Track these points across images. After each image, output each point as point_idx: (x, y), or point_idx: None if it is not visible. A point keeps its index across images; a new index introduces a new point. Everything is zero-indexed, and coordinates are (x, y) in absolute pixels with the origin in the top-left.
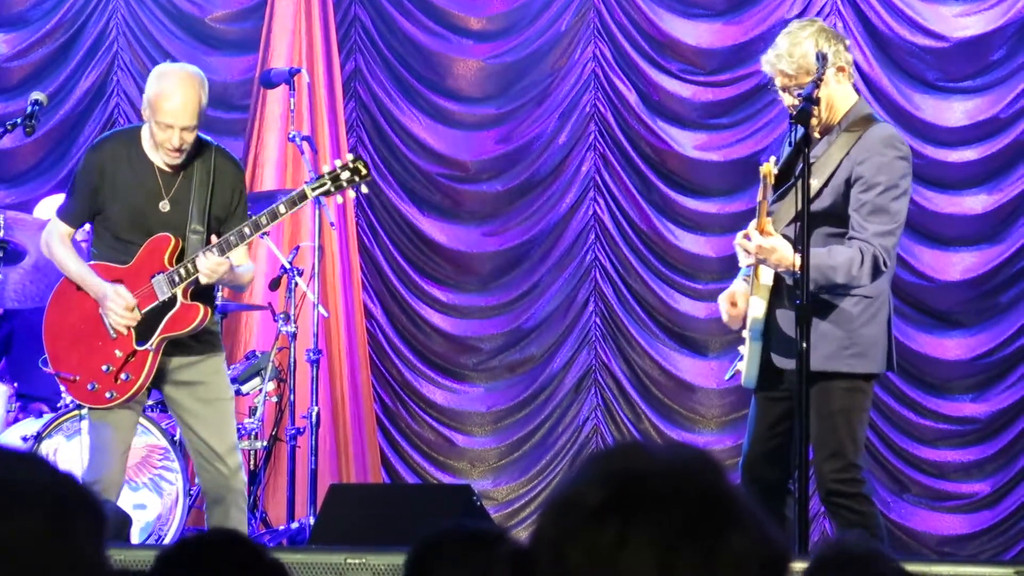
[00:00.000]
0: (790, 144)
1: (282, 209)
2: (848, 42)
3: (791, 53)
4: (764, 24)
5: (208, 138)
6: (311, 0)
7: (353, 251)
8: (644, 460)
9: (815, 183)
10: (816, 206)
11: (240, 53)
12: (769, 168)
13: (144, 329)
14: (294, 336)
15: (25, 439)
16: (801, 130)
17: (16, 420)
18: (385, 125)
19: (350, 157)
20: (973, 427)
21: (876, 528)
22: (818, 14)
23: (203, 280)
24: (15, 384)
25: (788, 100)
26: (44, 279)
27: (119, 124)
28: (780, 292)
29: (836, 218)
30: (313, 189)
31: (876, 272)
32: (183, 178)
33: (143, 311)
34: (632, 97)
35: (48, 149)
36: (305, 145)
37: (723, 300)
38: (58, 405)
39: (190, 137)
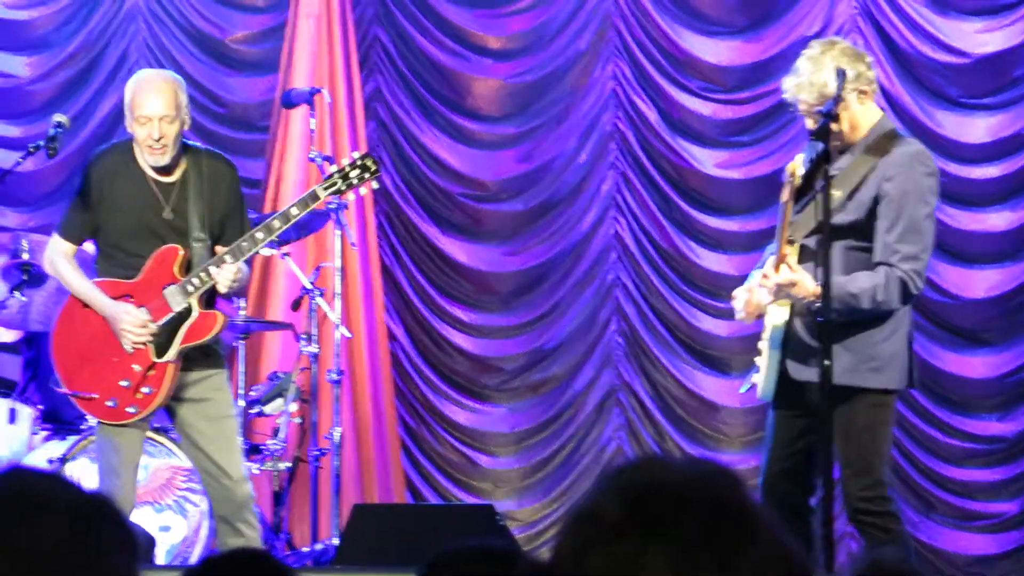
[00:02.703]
0: (810, 161)
1: (294, 211)
2: (870, 59)
3: (812, 81)
4: (784, 42)
5: (196, 143)
6: (332, 21)
7: (375, 271)
8: (662, 473)
9: (837, 194)
10: (839, 219)
11: (260, 74)
12: (795, 166)
13: (161, 341)
14: (316, 357)
15: (51, 461)
16: (820, 146)
17: (42, 442)
18: (405, 145)
19: (357, 154)
20: (1000, 446)
21: (905, 547)
22: (838, 31)
23: (222, 290)
24: (40, 406)
25: (812, 123)
26: None
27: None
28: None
29: (859, 232)
30: (324, 188)
31: (907, 296)
32: (179, 186)
33: (158, 323)
34: (652, 115)
35: (71, 171)
36: (326, 165)
37: (740, 292)
38: (83, 427)
39: (170, 130)
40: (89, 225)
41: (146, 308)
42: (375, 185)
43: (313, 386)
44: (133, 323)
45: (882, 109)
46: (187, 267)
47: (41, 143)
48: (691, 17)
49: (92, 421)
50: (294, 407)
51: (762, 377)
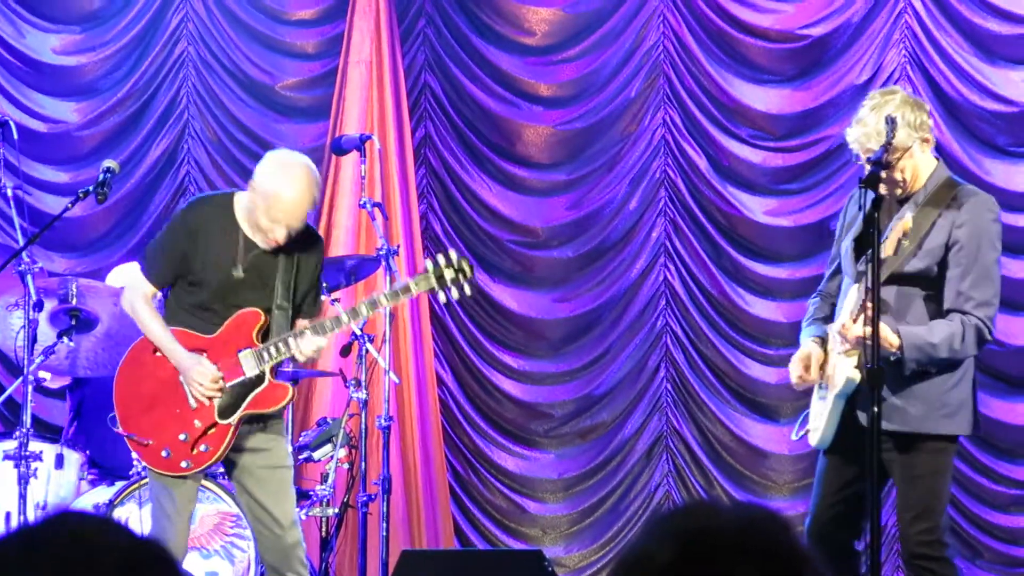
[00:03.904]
0: (860, 208)
1: (384, 301)
2: (929, 107)
3: (880, 132)
4: (834, 90)
5: None
6: (382, 67)
7: (424, 317)
8: (713, 518)
9: (906, 244)
10: (909, 267)
11: (310, 120)
12: (907, 224)
13: (227, 402)
14: (365, 403)
15: (97, 507)
16: (871, 194)
17: (88, 488)
18: (455, 191)
19: (454, 255)
20: None
21: None
22: (887, 80)
23: (300, 359)
24: (87, 452)
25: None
26: (116, 347)
27: (190, 192)
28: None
29: (930, 280)
30: (416, 284)
31: (981, 343)
32: (269, 251)
33: (228, 384)
34: (702, 163)
35: (119, 217)
36: (376, 212)
37: (796, 362)
38: (131, 473)
39: (297, 233)
40: (175, 273)
41: (217, 367)
42: (468, 290)
43: (362, 432)
44: (205, 376)
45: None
46: (265, 333)
47: (90, 188)
48: (741, 65)
49: (140, 466)
50: (343, 453)
51: (822, 425)
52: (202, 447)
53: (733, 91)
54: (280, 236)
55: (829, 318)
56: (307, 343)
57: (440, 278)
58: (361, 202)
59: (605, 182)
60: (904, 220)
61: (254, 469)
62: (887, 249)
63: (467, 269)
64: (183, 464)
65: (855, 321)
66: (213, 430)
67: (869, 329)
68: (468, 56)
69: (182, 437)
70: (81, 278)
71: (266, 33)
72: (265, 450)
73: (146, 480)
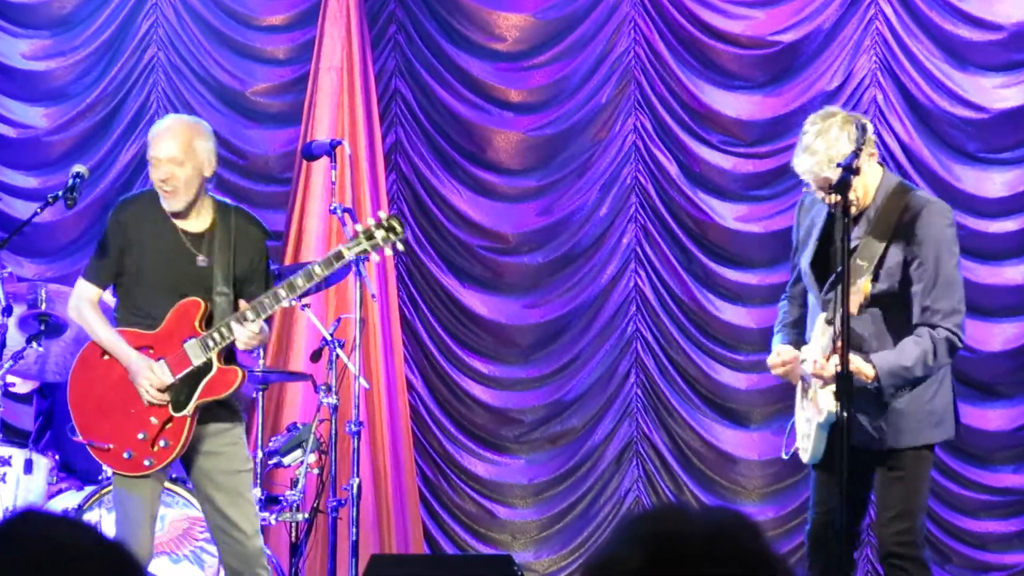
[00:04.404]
0: (814, 218)
1: (318, 270)
2: (868, 121)
3: (831, 158)
4: (804, 96)
5: (227, 200)
6: (353, 73)
7: (394, 323)
8: (682, 522)
9: (864, 264)
10: (873, 291)
11: (281, 126)
12: (866, 286)
13: (179, 395)
14: (335, 408)
15: (66, 512)
16: (827, 210)
17: (58, 493)
18: (426, 197)
19: (383, 215)
20: (1015, 498)
21: None
22: (858, 86)
23: (240, 347)
24: (56, 457)
25: (826, 197)
26: None
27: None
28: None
29: (893, 297)
30: (349, 248)
31: (953, 351)
32: (206, 240)
33: (177, 377)
34: (673, 169)
35: (89, 222)
36: (347, 217)
37: (775, 356)
38: (100, 477)
39: (179, 172)
40: (114, 270)
41: (165, 360)
42: (400, 247)
43: (332, 437)
44: (152, 383)
45: (900, 163)
46: (208, 321)
47: (60, 194)
48: (712, 71)
49: (109, 471)
50: (312, 458)
51: (810, 446)
52: (162, 443)
53: (704, 97)
54: (161, 173)
55: (799, 322)
56: (247, 328)
57: (370, 238)
58: (331, 207)
59: (575, 188)
60: (863, 283)
61: (213, 473)
62: (852, 307)
63: (396, 226)
64: (146, 463)
65: (828, 359)
66: (170, 424)
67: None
68: (439, 62)
69: (141, 436)
70: (50, 283)
71: (236, 39)
72: (222, 453)
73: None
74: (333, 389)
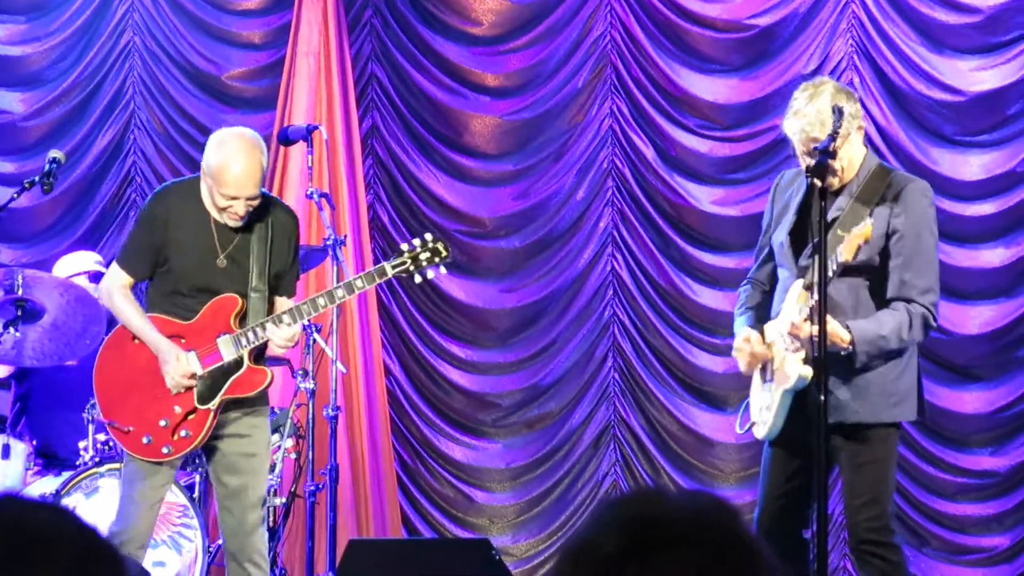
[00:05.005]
0: (790, 198)
1: (359, 283)
2: (857, 96)
3: (823, 121)
4: (780, 80)
5: (266, 191)
6: (329, 58)
7: (372, 308)
8: (660, 506)
9: (845, 234)
10: (852, 262)
11: (257, 111)
12: (868, 231)
13: (206, 387)
14: (313, 393)
15: (44, 497)
16: (808, 185)
17: (36, 478)
18: (402, 182)
19: (430, 237)
20: (992, 481)
21: None
22: (834, 69)
23: (276, 350)
24: (33, 442)
25: (811, 162)
26: (62, 337)
27: (136, 182)
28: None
29: (871, 271)
30: (393, 267)
31: (927, 329)
32: (241, 233)
33: (206, 370)
34: (649, 153)
35: (66, 207)
36: (324, 202)
37: (742, 345)
38: (77, 463)
39: (255, 203)
40: (152, 264)
41: (196, 352)
42: (444, 271)
43: (309, 422)
44: (179, 371)
45: (877, 146)
46: (243, 318)
47: (36, 179)
48: (688, 55)
49: (86, 456)
50: (290, 443)
51: (769, 418)
52: (183, 432)
53: (680, 81)
54: (240, 209)
55: (762, 306)
56: (284, 330)
57: (415, 259)
58: (308, 192)
59: (552, 172)
60: (866, 225)
61: (231, 454)
62: (845, 253)
63: (442, 250)
64: (164, 450)
65: (806, 321)
66: (193, 415)
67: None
68: (415, 46)
69: (163, 423)
70: (27, 268)
71: (212, 23)
72: (246, 436)
73: (93, 471)
74: (310, 374)
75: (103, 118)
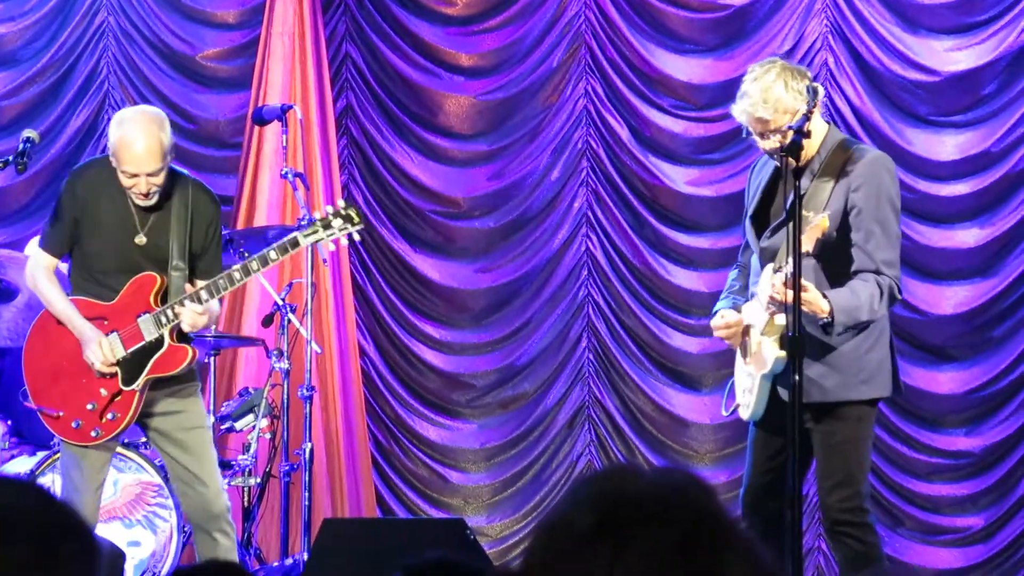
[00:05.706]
0: (762, 179)
1: (273, 255)
2: (809, 73)
3: (766, 99)
4: (756, 60)
5: (183, 171)
6: (304, 38)
7: (346, 288)
8: (634, 483)
9: (808, 215)
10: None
11: (231, 91)
12: (824, 223)
13: (130, 368)
14: (287, 373)
15: (18, 476)
16: (773, 166)
17: (10, 458)
18: (377, 162)
19: (342, 203)
20: (967, 461)
21: (879, 559)
22: (809, 49)
23: (185, 328)
24: (8, 422)
25: (767, 144)
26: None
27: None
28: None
29: (835, 247)
30: (305, 236)
31: (892, 302)
32: (160, 212)
33: (128, 351)
34: (624, 133)
35: (39, 187)
36: (298, 182)
37: (718, 318)
38: (52, 443)
39: (158, 180)
40: (70, 239)
41: (118, 333)
42: (357, 237)
43: (284, 402)
44: (99, 358)
45: (852, 126)
46: (164, 296)
47: (10, 159)
48: (663, 35)
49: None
50: (265, 423)
51: (752, 401)
52: (110, 415)
53: (655, 61)
54: (142, 187)
55: (746, 290)
56: (190, 314)
57: (327, 226)
58: (283, 172)
59: (527, 152)
60: (822, 218)
61: (170, 432)
62: (805, 245)
63: (354, 216)
64: (93, 433)
65: (786, 287)
66: (119, 397)
67: (804, 296)
68: (389, 26)
69: (89, 406)
70: (1, 248)
71: (186, 3)
72: (180, 412)
73: None
74: (285, 354)
75: (77, 98)
